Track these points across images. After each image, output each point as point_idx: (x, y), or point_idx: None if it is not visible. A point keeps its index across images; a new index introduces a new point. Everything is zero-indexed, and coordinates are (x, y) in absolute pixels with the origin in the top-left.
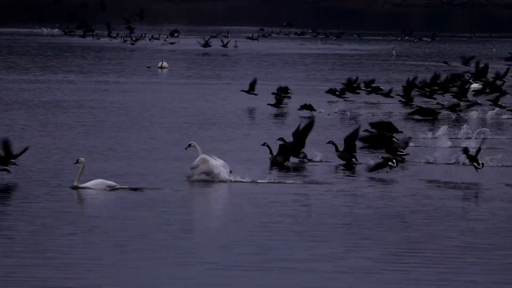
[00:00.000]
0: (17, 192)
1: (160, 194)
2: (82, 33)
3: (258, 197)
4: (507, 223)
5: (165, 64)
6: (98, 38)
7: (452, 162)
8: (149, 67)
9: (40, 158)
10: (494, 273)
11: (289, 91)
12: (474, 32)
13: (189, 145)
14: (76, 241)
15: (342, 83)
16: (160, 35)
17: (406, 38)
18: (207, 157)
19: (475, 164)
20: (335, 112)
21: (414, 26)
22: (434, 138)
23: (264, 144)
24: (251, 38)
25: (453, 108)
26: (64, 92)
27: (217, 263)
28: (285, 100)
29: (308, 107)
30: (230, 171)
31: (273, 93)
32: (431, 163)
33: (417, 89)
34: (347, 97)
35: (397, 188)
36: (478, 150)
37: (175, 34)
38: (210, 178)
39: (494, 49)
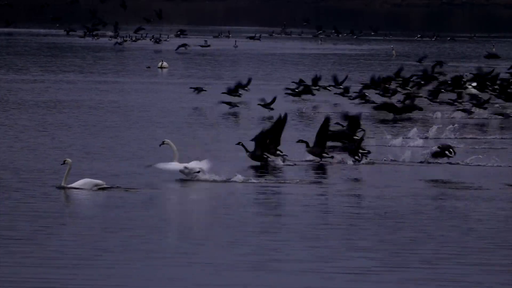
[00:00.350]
0: (16, 192)
1: (158, 194)
2: (83, 33)
3: (257, 197)
4: (507, 223)
5: (165, 64)
6: (98, 38)
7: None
8: (149, 67)
9: (39, 158)
10: (495, 274)
11: (244, 89)
12: (474, 32)
13: (163, 143)
14: (75, 241)
15: (293, 82)
16: (161, 35)
17: (418, 37)
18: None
19: (447, 152)
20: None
21: (414, 26)
22: (427, 138)
23: (238, 143)
24: (252, 38)
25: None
26: (63, 92)
27: (216, 264)
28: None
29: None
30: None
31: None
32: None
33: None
34: (301, 97)
35: (397, 188)
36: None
37: (181, 36)
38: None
39: (494, 49)
